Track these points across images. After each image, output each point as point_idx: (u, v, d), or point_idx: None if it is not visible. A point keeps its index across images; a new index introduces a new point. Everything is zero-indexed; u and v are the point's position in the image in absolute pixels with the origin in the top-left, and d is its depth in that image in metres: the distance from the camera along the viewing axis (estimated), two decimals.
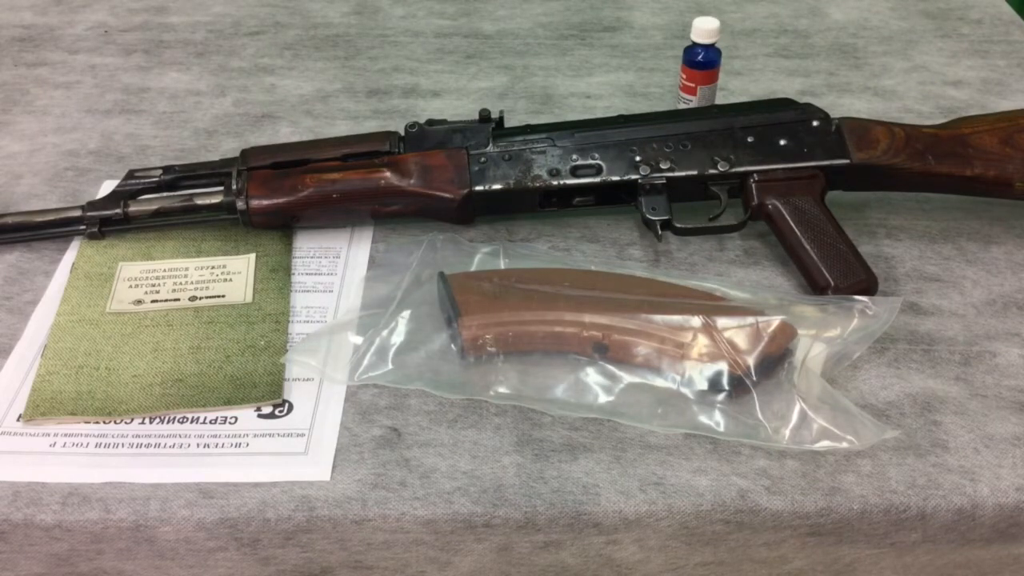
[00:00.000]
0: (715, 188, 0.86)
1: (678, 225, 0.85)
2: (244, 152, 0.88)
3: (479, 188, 0.86)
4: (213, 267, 0.86)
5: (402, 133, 0.89)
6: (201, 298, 0.83)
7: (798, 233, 0.83)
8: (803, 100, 0.90)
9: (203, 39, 1.22)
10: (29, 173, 0.98)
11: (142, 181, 0.88)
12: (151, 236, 0.88)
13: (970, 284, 0.86)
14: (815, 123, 0.87)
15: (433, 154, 0.87)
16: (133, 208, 0.86)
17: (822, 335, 0.76)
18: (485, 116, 0.89)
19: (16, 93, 1.11)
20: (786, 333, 0.75)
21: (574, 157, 0.86)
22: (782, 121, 0.88)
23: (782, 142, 0.87)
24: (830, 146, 0.86)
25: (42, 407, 0.73)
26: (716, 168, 0.86)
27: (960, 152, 0.86)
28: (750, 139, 0.87)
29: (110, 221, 0.86)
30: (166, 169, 0.88)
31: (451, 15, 1.28)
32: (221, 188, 0.87)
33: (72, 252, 0.87)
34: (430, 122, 0.89)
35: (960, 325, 0.82)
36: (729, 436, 0.71)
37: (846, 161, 0.86)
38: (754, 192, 0.85)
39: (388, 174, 0.86)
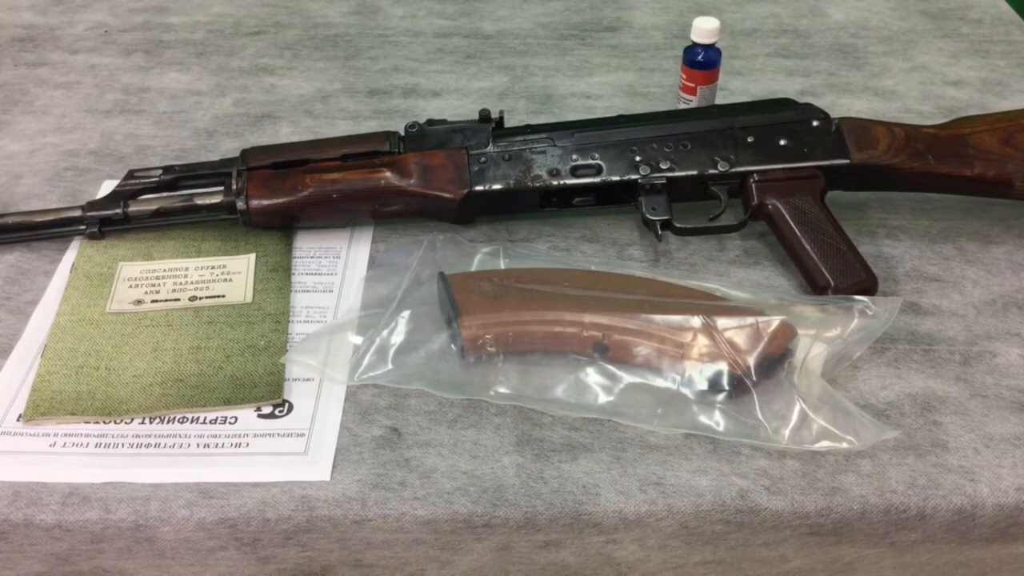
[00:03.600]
0: (715, 188, 0.86)
1: (678, 225, 0.85)
2: (244, 152, 0.88)
3: (479, 188, 0.86)
4: (213, 267, 0.86)
5: (402, 133, 0.89)
6: (201, 298, 0.83)
7: (798, 233, 0.83)
8: (803, 100, 0.90)
9: (203, 39, 1.22)
10: (29, 173, 0.98)
11: (142, 181, 0.88)
12: (151, 236, 0.88)
13: (970, 284, 0.86)
14: (815, 123, 0.87)
15: (433, 154, 0.87)
16: (133, 208, 0.86)
17: (822, 335, 0.76)
18: (485, 116, 0.89)
19: (16, 93, 1.11)
20: (786, 333, 0.74)
21: (574, 157, 0.86)
22: (782, 121, 0.87)
23: (782, 142, 0.86)
24: (830, 146, 0.86)
25: (42, 407, 0.73)
26: (716, 168, 0.86)
27: (960, 152, 0.86)
28: (750, 139, 0.87)
29: (110, 221, 0.86)
30: (166, 169, 0.88)
31: (451, 15, 1.28)
32: (221, 188, 0.87)
33: (72, 252, 0.87)
34: (430, 122, 0.89)
35: (960, 325, 0.82)
36: (729, 436, 0.71)
37: (846, 161, 0.86)
38: (754, 192, 0.85)
39: (388, 174, 0.86)
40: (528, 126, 0.89)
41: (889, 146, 0.86)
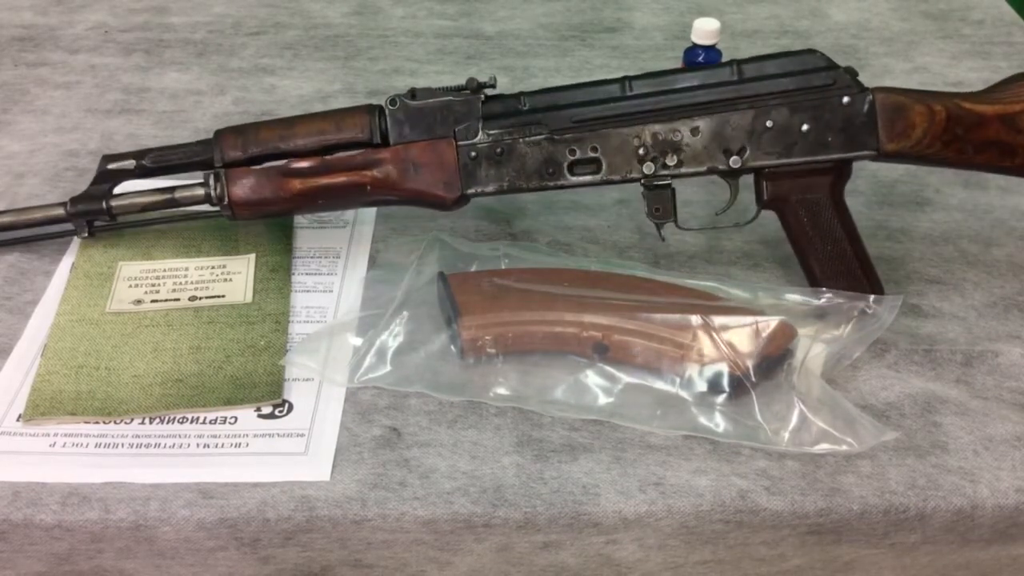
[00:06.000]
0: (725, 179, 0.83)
1: (682, 227, 0.84)
2: (217, 135, 0.83)
3: (471, 191, 0.82)
4: (213, 267, 0.86)
5: (384, 105, 0.83)
6: (201, 298, 0.83)
7: (809, 235, 0.80)
8: None
9: (203, 39, 1.22)
10: (29, 173, 0.98)
11: (117, 174, 0.84)
12: (151, 236, 0.88)
13: (971, 286, 0.86)
14: (845, 99, 0.79)
15: (418, 149, 0.82)
16: (116, 203, 0.84)
17: (822, 335, 0.76)
18: (474, 86, 0.82)
19: (16, 93, 1.11)
20: (786, 333, 0.74)
21: (572, 150, 0.81)
22: (809, 98, 0.80)
23: (804, 127, 0.80)
24: (857, 133, 0.79)
25: (42, 407, 0.73)
26: (727, 164, 0.80)
27: (1005, 139, 0.79)
28: (769, 123, 0.80)
29: (96, 220, 0.84)
30: (137, 156, 0.84)
31: (451, 15, 1.28)
32: (201, 181, 0.83)
33: (72, 252, 0.87)
34: (413, 93, 0.83)
35: (961, 327, 0.82)
36: (728, 438, 0.71)
37: (872, 153, 0.80)
38: (766, 188, 0.81)
39: (374, 174, 0.82)
40: (521, 95, 0.83)
41: (925, 133, 0.78)
